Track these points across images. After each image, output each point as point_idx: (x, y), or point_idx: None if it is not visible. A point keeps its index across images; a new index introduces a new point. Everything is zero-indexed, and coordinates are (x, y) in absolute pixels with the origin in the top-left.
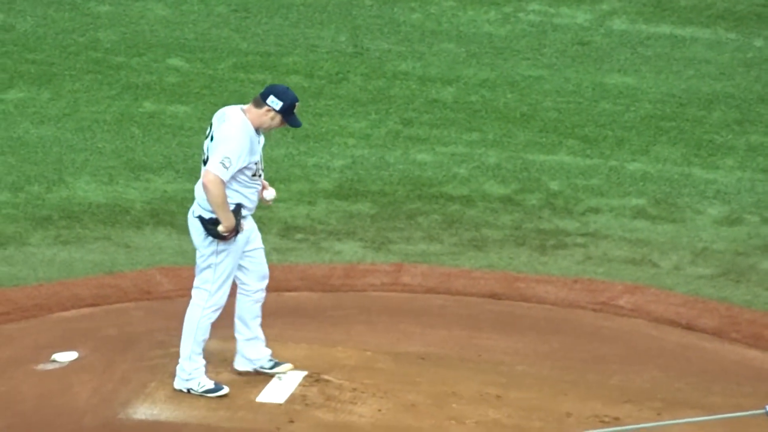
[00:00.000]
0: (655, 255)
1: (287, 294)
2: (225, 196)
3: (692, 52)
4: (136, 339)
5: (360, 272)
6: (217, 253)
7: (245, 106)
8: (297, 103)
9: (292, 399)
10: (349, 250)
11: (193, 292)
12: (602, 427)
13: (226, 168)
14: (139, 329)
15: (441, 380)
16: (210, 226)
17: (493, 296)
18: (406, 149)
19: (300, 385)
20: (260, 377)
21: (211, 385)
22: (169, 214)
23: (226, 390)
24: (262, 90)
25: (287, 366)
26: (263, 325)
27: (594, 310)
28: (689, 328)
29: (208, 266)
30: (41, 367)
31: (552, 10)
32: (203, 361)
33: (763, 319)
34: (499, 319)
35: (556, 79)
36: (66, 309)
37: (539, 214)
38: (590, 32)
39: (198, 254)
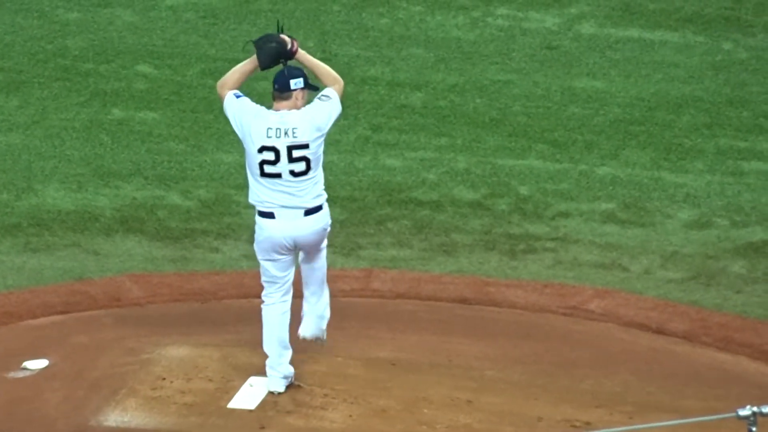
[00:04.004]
0: (625, 259)
1: (257, 300)
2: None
3: (661, 56)
4: (107, 346)
5: (330, 278)
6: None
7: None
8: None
9: (263, 405)
10: None
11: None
12: None
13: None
14: (110, 336)
15: (412, 385)
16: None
17: (464, 301)
18: (375, 155)
19: (271, 391)
20: (231, 383)
21: None
22: (139, 221)
23: None
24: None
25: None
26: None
27: (564, 314)
28: (660, 332)
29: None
30: (11, 374)
31: (520, 15)
32: None
33: (733, 322)
34: (470, 324)
35: (525, 83)
36: (36, 316)
37: (509, 219)
38: (559, 36)
39: (317, 252)
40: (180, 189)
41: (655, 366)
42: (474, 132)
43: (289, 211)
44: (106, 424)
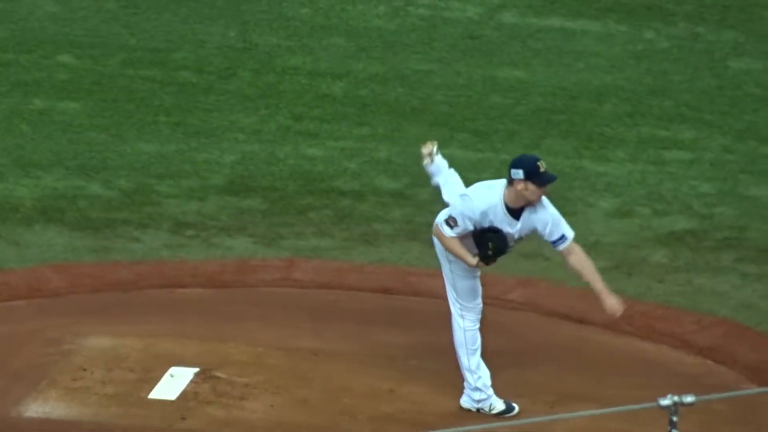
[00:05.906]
0: (546, 248)
1: (178, 290)
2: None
3: (582, 45)
4: (27, 337)
5: (251, 268)
6: None
7: (505, 190)
8: (539, 162)
9: (183, 396)
10: (240, 245)
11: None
12: (495, 422)
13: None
14: (30, 327)
15: (333, 375)
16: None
17: (386, 291)
18: (297, 144)
19: (192, 381)
20: (152, 373)
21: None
22: (59, 211)
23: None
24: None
25: None
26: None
27: (486, 304)
28: (581, 321)
29: None
30: None
31: (442, 4)
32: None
33: (655, 311)
34: (392, 313)
35: (447, 72)
36: None
37: (430, 209)
38: (480, 26)
39: None
40: (101, 179)
41: (577, 355)
42: (395, 121)
43: None
44: (26, 415)
